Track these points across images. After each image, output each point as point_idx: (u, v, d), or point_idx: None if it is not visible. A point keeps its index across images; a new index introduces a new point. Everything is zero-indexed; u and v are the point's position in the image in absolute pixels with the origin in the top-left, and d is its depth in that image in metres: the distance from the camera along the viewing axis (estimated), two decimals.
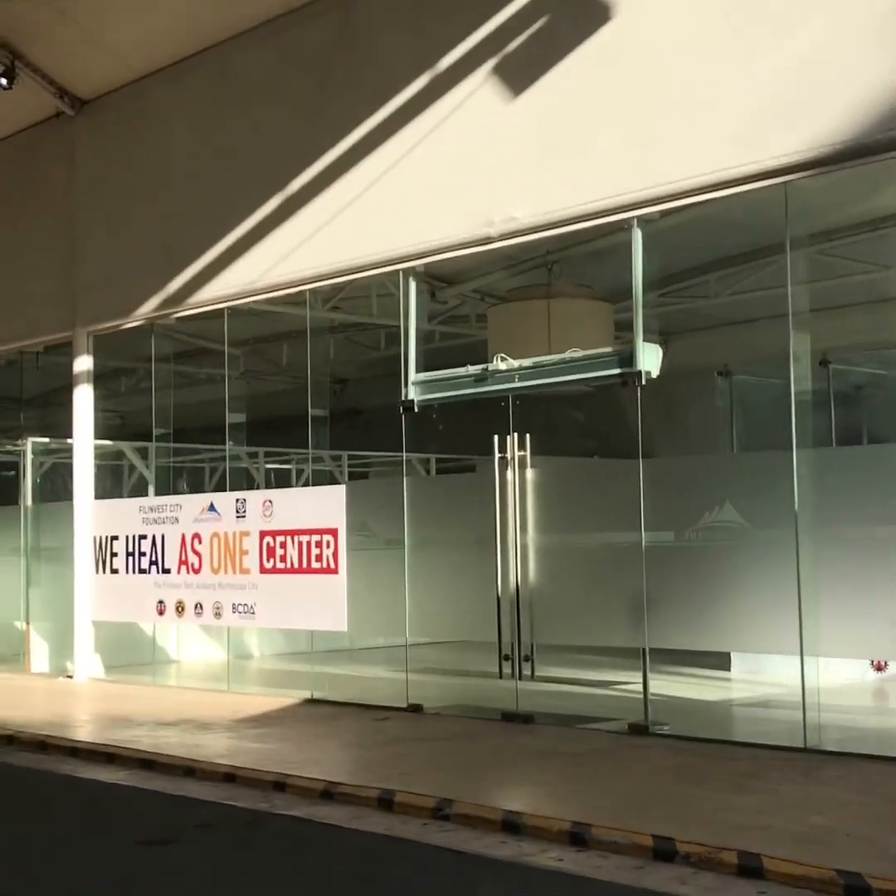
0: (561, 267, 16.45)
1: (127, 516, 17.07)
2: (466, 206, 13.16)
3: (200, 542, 15.92)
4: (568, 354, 12.63)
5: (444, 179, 13.41)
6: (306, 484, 20.94)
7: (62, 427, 19.23)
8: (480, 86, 12.97)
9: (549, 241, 13.34)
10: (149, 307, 16.93)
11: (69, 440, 18.29)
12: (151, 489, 19.20)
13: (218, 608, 15.61)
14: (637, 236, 11.83)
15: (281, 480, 22.70)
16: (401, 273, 13.98)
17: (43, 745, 12.13)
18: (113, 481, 20.23)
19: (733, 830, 7.76)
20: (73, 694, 16.53)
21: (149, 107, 17.15)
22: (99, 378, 18.43)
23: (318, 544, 14.43)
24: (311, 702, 14.48)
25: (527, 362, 13.00)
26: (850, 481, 10.74)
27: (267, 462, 22.37)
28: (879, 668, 14.47)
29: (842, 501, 10.68)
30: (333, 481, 19.22)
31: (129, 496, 19.73)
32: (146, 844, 8.29)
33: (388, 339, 20.54)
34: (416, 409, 13.80)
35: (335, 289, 16.16)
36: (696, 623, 11.68)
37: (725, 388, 18.59)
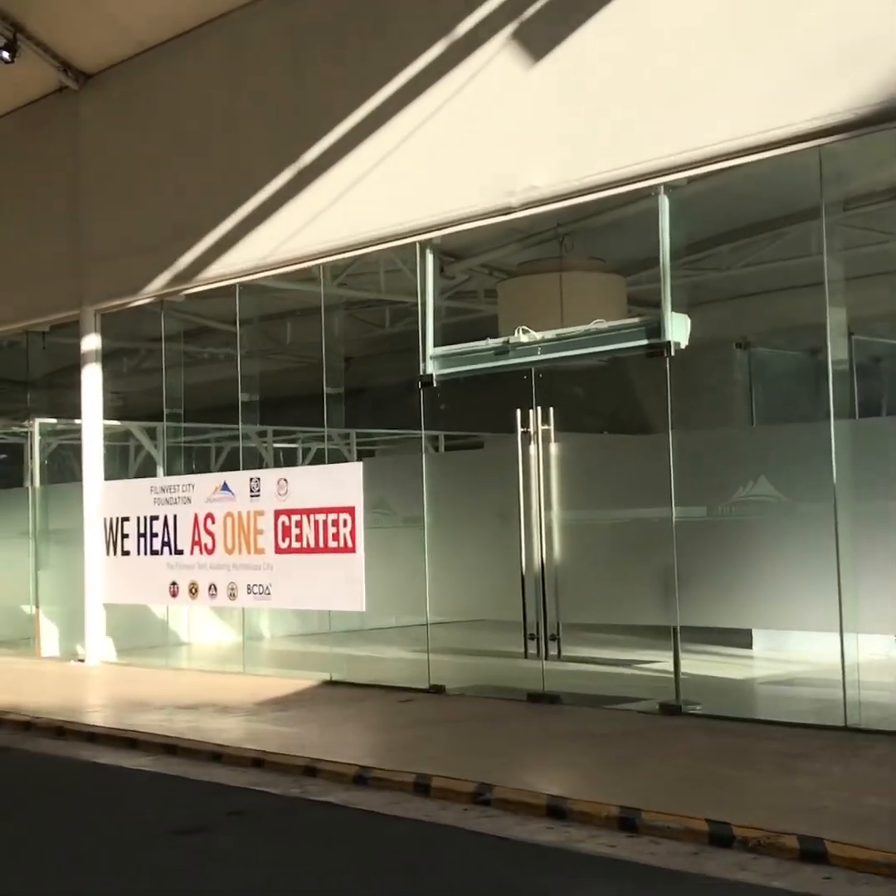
0: (572, 239, 16.16)
1: (138, 497, 16.79)
2: (486, 176, 12.86)
3: (214, 522, 15.66)
4: (592, 325, 12.35)
5: (462, 149, 13.10)
6: (314, 462, 20.74)
7: (65, 408, 18.99)
8: (499, 51, 12.66)
9: (570, 210, 13.01)
10: (158, 284, 16.62)
11: (76, 421, 18.02)
12: (160, 470, 18.92)
13: (232, 589, 15.36)
14: (664, 203, 11.54)
15: (288, 460, 22.45)
16: (418, 245, 13.69)
17: (60, 730, 11.88)
18: (118, 462, 19.93)
19: (787, 813, 7.50)
20: (86, 678, 16.28)
21: (156, 80, 16.80)
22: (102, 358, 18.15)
23: (335, 523, 14.17)
24: (330, 684, 14.23)
25: (549, 334, 12.72)
26: (890, 452, 10.46)
27: (274, 441, 22.12)
28: None
29: (881, 474, 10.41)
30: (342, 459, 18.94)
31: (135, 477, 19.43)
32: (180, 833, 8.01)
33: (394, 316, 20.29)
34: (435, 384, 13.53)
35: (342, 265, 15.84)
36: (730, 600, 11.41)
37: (744, 361, 18.31)
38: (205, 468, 21.38)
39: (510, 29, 12.54)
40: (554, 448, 12.50)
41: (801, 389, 18.11)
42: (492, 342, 13.21)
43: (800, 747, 9.61)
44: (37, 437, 19.00)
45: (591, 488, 12.59)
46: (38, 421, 19.10)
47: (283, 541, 14.74)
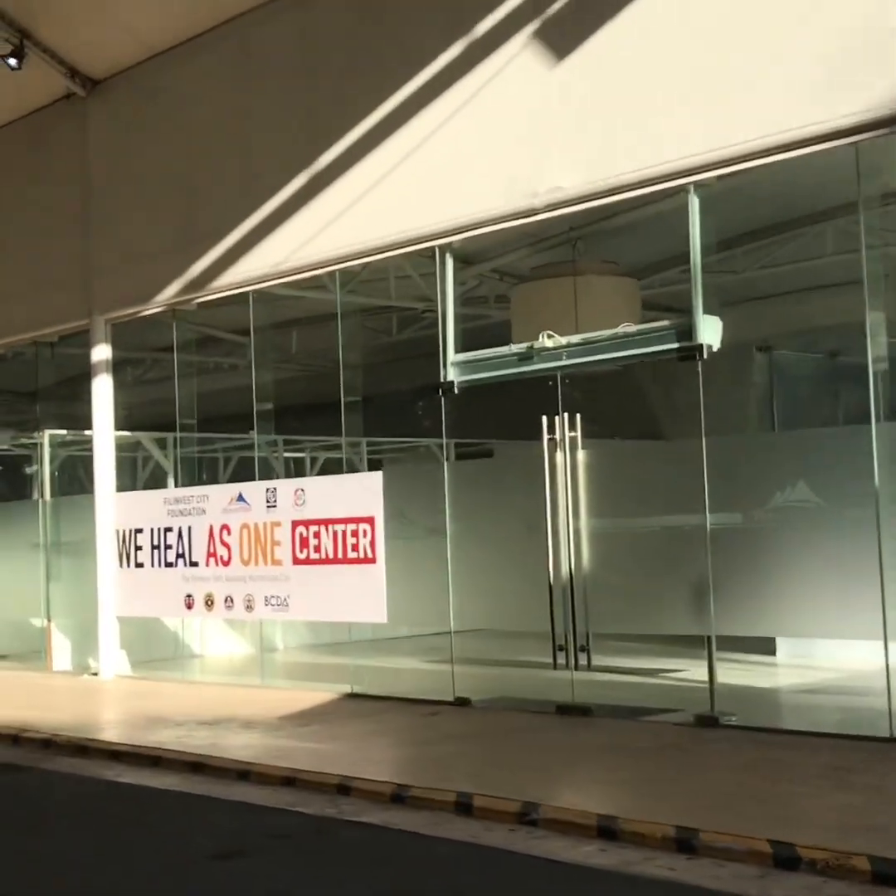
0: (584, 243, 15.91)
1: (151, 508, 16.53)
2: (508, 178, 12.60)
3: (229, 534, 15.40)
4: (620, 329, 12.09)
5: (483, 151, 12.85)
6: (323, 472, 20.48)
7: (74, 419, 18.72)
8: (521, 50, 12.40)
9: (586, 213, 12.74)
10: (169, 293, 16.36)
11: (86, 432, 17.76)
12: (170, 481, 18.66)
13: (249, 601, 15.09)
14: (694, 202, 11.29)
15: (297, 469, 22.21)
16: (437, 249, 13.46)
17: (83, 749, 11.60)
18: (127, 473, 19.66)
19: (848, 831, 7.23)
20: (101, 692, 16.00)
21: (165, 85, 16.54)
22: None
23: (354, 533, 13.91)
24: (351, 696, 13.95)
25: (575, 339, 12.46)
26: None
27: (284, 450, 21.85)
28: None
29: None
30: (352, 469, 18.69)
31: (144, 488, 19.17)
32: (220, 858, 7.72)
33: (401, 323, 20.02)
34: (456, 391, 13.27)
35: (354, 272, 15.56)
36: (767, 608, 11.13)
37: (765, 364, 18.05)
38: (213, 478, 21.14)
39: (532, 27, 12.28)
40: (581, 455, 12.24)
41: (821, 392, 17.89)
42: (515, 347, 12.94)
43: (847, 760, 9.33)
44: (47, 449, 18.75)
45: (620, 496, 12.31)
46: (47, 432, 18.86)
47: (301, 552, 14.48)
